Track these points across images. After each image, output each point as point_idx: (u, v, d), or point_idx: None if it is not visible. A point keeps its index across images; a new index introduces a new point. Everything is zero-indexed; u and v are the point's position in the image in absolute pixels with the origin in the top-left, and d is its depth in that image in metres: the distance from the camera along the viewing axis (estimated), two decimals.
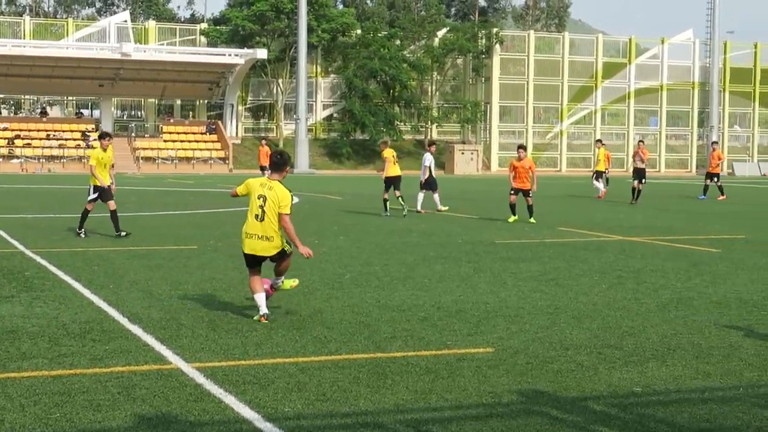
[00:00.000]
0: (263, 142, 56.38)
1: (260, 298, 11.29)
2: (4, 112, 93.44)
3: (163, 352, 9.60)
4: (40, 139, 76.17)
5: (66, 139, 77.02)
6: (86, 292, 13.14)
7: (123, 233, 20.76)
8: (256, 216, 11.30)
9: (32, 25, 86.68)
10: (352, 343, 10.19)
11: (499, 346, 10.09)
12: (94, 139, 72.92)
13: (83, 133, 78.19)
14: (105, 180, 20.98)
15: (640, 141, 42.12)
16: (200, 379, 8.56)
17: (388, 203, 28.84)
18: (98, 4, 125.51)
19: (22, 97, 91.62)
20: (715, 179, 41.04)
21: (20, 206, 30.86)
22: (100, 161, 21.05)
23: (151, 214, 28.37)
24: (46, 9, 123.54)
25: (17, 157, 73.17)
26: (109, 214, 21.00)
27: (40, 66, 76.63)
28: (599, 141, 44.75)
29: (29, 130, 77.64)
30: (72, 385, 8.26)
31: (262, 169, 38.25)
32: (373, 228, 24.29)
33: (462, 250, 19.08)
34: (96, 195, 21.06)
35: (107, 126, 78.05)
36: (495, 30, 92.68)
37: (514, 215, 26.56)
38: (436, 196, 30.53)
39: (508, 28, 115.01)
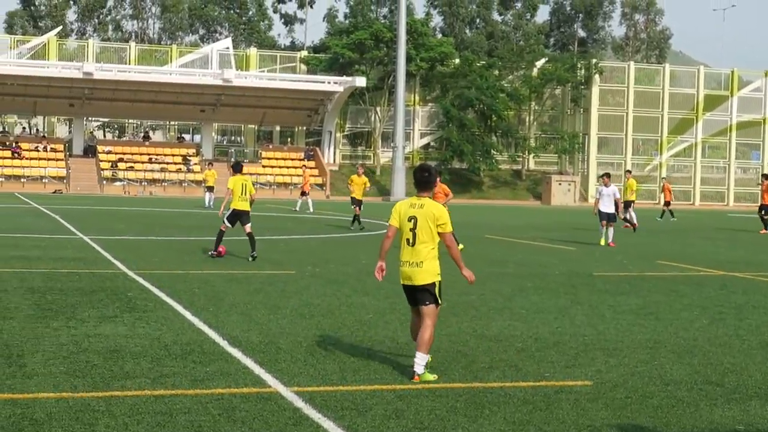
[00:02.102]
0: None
1: (421, 359, 9.71)
2: (109, 136, 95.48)
3: (262, 375, 9.70)
4: (143, 162, 77.71)
5: (167, 163, 78.45)
6: (187, 314, 13.34)
7: (254, 256, 21.53)
8: (407, 241, 9.99)
9: (137, 51, 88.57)
10: (449, 371, 10.18)
11: (598, 380, 10.00)
12: (195, 164, 74.16)
13: (184, 157, 79.53)
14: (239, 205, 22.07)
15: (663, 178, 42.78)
16: (299, 403, 8.62)
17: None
18: (201, 31, 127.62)
19: (126, 121, 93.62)
20: None
21: (122, 228, 31.47)
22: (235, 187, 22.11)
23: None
24: (151, 35, 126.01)
25: (120, 180, 74.69)
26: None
27: (144, 91, 78.29)
28: (629, 172, 44.31)
29: (132, 154, 79.24)
30: (174, 405, 8.39)
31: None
32: (468, 257, 24.16)
33: (559, 282, 18.95)
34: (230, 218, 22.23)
35: (207, 150, 79.40)
36: (594, 61, 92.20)
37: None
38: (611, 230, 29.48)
39: (607, 58, 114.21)
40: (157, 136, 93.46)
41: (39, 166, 75.51)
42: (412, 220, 9.92)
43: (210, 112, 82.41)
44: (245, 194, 22.13)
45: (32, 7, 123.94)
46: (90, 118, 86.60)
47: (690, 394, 9.47)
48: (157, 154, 79.82)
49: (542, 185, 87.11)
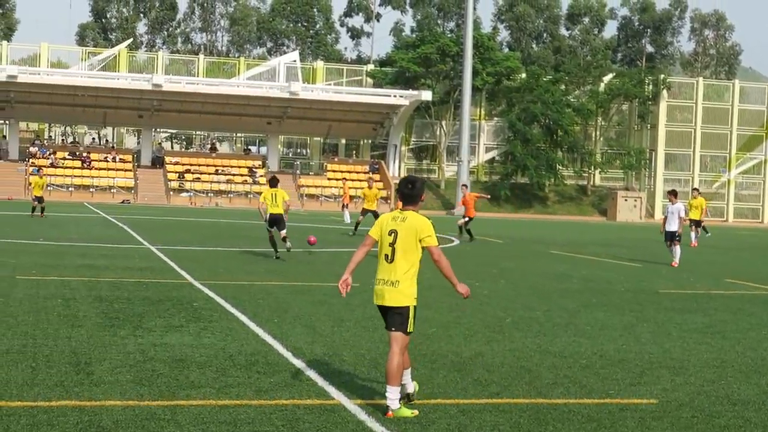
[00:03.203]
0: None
1: (393, 393, 8.75)
2: (176, 147, 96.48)
3: (326, 387, 9.73)
4: (209, 173, 78.40)
5: (234, 175, 79.07)
6: (252, 325, 13.43)
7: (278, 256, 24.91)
8: (386, 257, 9.07)
9: (206, 63, 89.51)
10: (513, 387, 10.14)
11: (663, 398, 9.90)
12: (261, 176, 74.68)
13: (250, 169, 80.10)
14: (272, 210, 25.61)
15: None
16: (362, 415, 8.64)
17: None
18: (269, 44, 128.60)
19: (194, 132, 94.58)
20: None
21: (189, 238, 31.78)
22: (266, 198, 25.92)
23: (312, 250, 28.80)
24: (219, 48, 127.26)
25: (187, 191, 75.41)
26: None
27: (211, 103, 79.07)
28: (696, 189, 43.41)
29: (199, 165, 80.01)
30: (238, 415, 8.45)
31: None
32: (533, 273, 24.15)
33: (624, 299, 18.79)
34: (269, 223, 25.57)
35: (273, 163, 79.96)
36: (662, 76, 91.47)
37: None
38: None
39: (675, 74, 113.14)
40: (223, 148, 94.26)
41: (108, 177, 76.50)
42: (393, 234, 9.01)
43: (276, 125, 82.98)
44: (275, 202, 25.65)
45: (103, 20, 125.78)
46: (158, 130, 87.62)
47: (758, 415, 9.34)
48: (223, 166, 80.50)
49: (608, 201, 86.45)
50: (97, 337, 11.92)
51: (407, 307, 8.94)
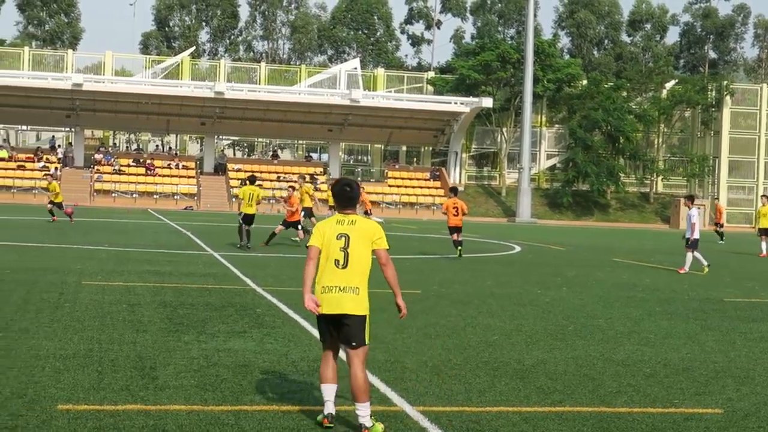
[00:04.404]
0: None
1: (329, 391, 8.46)
2: (238, 154, 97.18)
3: (388, 394, 9.74)
4: (271, 180, 78.82)
5: (295, 182, 79.30)
6: (314, 332, 13.45)
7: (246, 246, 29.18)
8: (336, 262, 8.40)
9: (267, 71, 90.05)
10: (576, 395, 10.08)
11: (729, 408, 9.78)
12: (322, 182, 74.93)
13: (312, 176, 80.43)
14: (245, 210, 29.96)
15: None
16: (424, 422, 8.64)
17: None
18: (330, 52, 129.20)
19: (255, 140, 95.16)
20: None
21: (251, 245, 31.95)
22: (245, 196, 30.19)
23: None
24: (280, 56, 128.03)
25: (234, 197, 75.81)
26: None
27: (273, 110, 79.54)
28: (765, 197, 42.09)
29: (261, 172, 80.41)
30: (301, 421, 8.49)
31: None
32: (595, 280, 24.00)
33: (689, 307, 18.61)
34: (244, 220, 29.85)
35: (335, 169, 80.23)
36: (725, 82, 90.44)
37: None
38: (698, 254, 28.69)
39: (739, 80, 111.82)
40: (285, 155, 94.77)
41: (171, 183, 77.25)
42: (343, 238, 8.40)
43: (337, 132, 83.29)
44: (251, 201, 29.59)
45: (166, 29, 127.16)
46: (221, 137, 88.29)
47: None
48: (285, 173, 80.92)
49: (671, 208, 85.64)
50: (161, 342, 12.04)
51: (365, 316, 8.41)
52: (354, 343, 8.32)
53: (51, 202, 41.84)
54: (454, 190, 32.99)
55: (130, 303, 15.61)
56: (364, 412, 8.17)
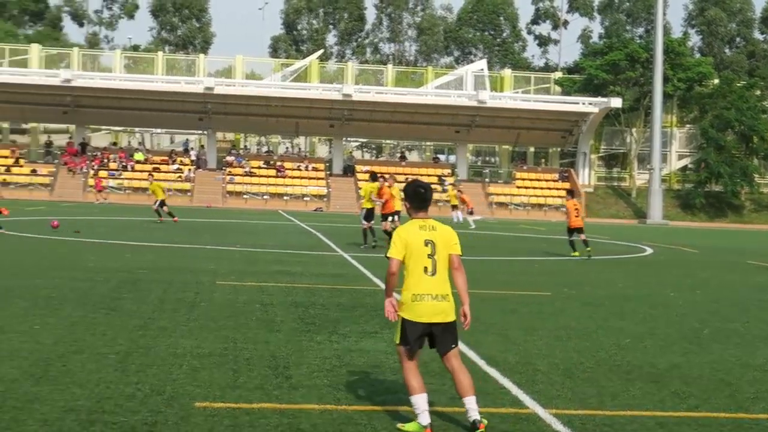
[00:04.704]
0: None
1: (424, 400, 8.22)
2: (366, 156, 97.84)
3: (520, 396, 9.69)
4: (399, 182, 78.94)
5: (385, 173, 79.45)
6: None
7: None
8: (425, 269, 8.25)
9: (394, 73, 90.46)
10: (712, 400, 9.88)
11: None
12: (450, 184, 74.95)
13: (439, 177, 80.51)
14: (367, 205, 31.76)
15: None
16: (557, 425, 8.58)
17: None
18: (456, 53, 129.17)
19: (383, 141, 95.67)
20: None
21: (380, 246, 32.14)
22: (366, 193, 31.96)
23: (503, 258, 28.75)
24: (407, 58, 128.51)
25: (378, 199, 76.19)
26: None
27: (400, 112, 79.83)
28: None
29: (389, 174, 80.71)
30: (433, 421, 8.45)
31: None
32: (731, 283, 23.49)
33: None
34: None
35: (462, 171, 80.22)
36: None
37: None
38: None
39: None
40: (412, 156, 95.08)
41: (301, 185, 78.21)
42: (430, 245, 8.27)
43: (464, 133, 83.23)
44: (370, 197, 31.44)
45: (294, 32, 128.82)
46: (349, 139, 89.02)
47: None
48: (413, 174, 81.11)
49: None
50: (294, 342, 12.19)
51: (454, 324, 8.37)
52: (453, 345, 8.34)
53: (161, 203, 43.09)
54: (571, 193, 34.85)
55: (262, 303, 15.84)
56: (476, 405, 8.18)
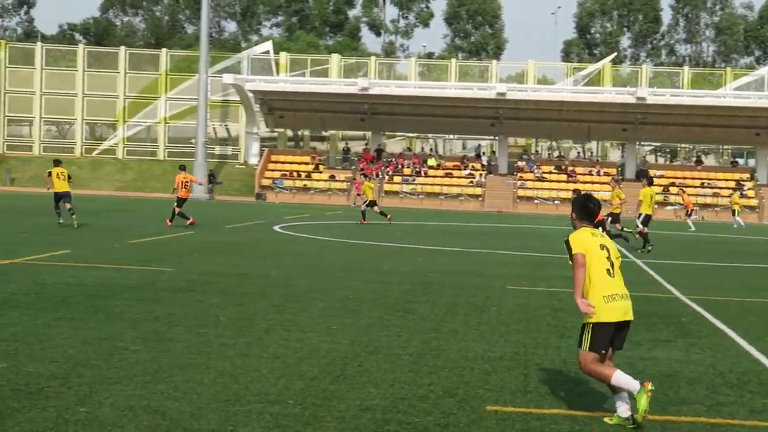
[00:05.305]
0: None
1: (624, 376, 8.62)
2: (660, 160, 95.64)
3: None
4: (694, 187, 76.89)
5: (720, 188, 76.98)
6: (742, 343, 12.98)
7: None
8: (608, 271, 8.70)
9: (690, 74, 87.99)
10: None
11: None
12: (749, 188, 72.05)
13: (737, 182, 77.68)
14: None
15: None
16: None
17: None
18: (757, 53, 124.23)
19: (678, 145, 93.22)
20: None
21: (673, 252, 31.37)
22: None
23: (732, 264, 27.41)
24: (704, 59, 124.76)
25: (671, 204, 74.46)
26: None
27: (696, 115, 77.51)
28: None
29: (684, 178, 78.75)
30: None
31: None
32: None
33: None
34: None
35: (762, 175, 77.04)
36: None
37: None
38: None
39: None
40: (709, 161, 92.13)
41: (592, 189, 77.26)
42: (605, 249, 8.78)
43: (765, 135, 79.78)
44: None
45: (587, 36, 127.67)
46: (642, 143, 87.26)
47: None
48: (709, 179, 78.70)
49: None
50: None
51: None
52: (620, 344, 8.94)
53: (370, 203, 43.55)
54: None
55: (553, 308, 15.77)
56: (623, 403, 8.55)
